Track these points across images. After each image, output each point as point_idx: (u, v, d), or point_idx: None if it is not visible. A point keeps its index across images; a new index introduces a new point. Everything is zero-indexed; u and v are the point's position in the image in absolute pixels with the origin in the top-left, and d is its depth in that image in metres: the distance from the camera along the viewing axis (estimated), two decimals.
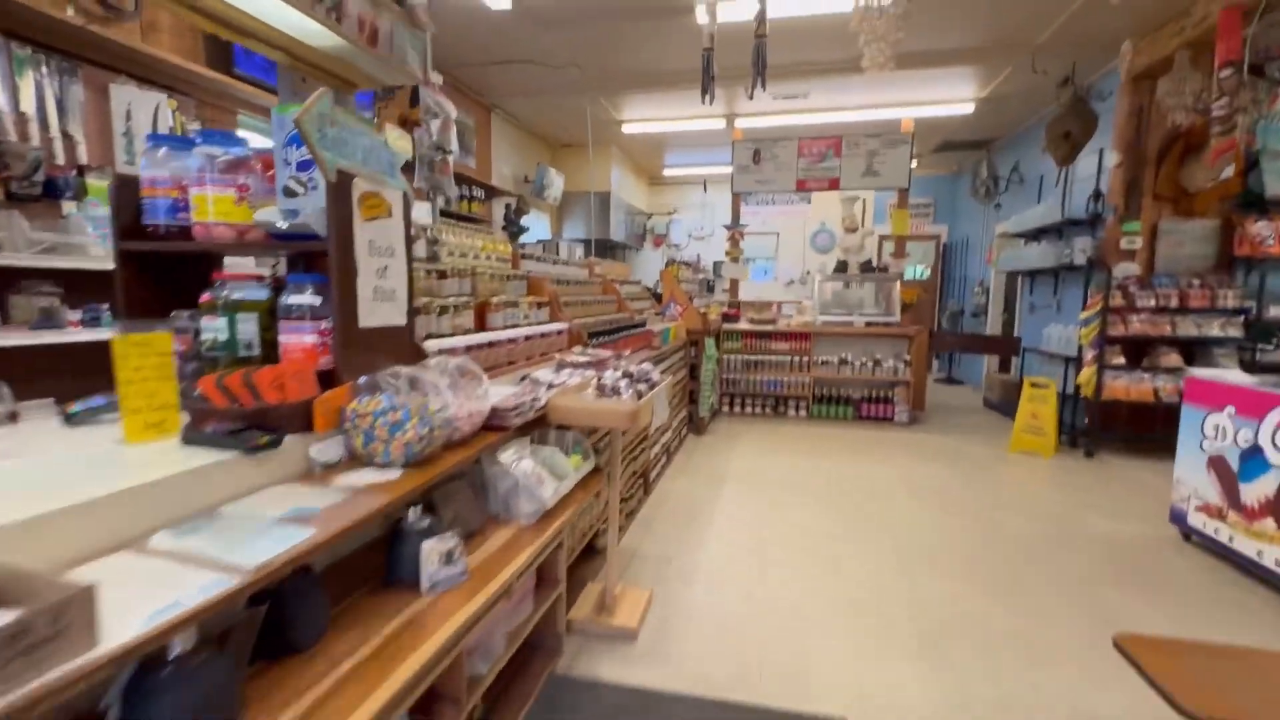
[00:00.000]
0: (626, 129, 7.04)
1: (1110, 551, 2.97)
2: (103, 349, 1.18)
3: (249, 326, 1.40)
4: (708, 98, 3.96)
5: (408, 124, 4.25)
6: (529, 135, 7.39)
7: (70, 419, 1.32)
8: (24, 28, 2.46)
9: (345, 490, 1.17)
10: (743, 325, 6.10)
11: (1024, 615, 2.37)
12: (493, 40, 4.80)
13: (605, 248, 8.26)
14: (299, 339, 1.38)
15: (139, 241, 1.47)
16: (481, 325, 2.38)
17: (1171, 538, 3.13)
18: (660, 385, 2.28)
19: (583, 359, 2.55)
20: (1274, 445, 2.53)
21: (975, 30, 4.58)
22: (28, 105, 2.50)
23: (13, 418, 1.39)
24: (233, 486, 1.11)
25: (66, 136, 2.66)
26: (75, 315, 2.41)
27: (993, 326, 7.96)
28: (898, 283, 5.96)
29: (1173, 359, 4.56)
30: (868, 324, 5.83)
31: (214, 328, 1.40)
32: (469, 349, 2.07)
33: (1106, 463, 4.55)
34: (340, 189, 1.37)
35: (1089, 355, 4.64)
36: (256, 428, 1.21)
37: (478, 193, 5.91)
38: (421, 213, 3.15)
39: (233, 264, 1.95)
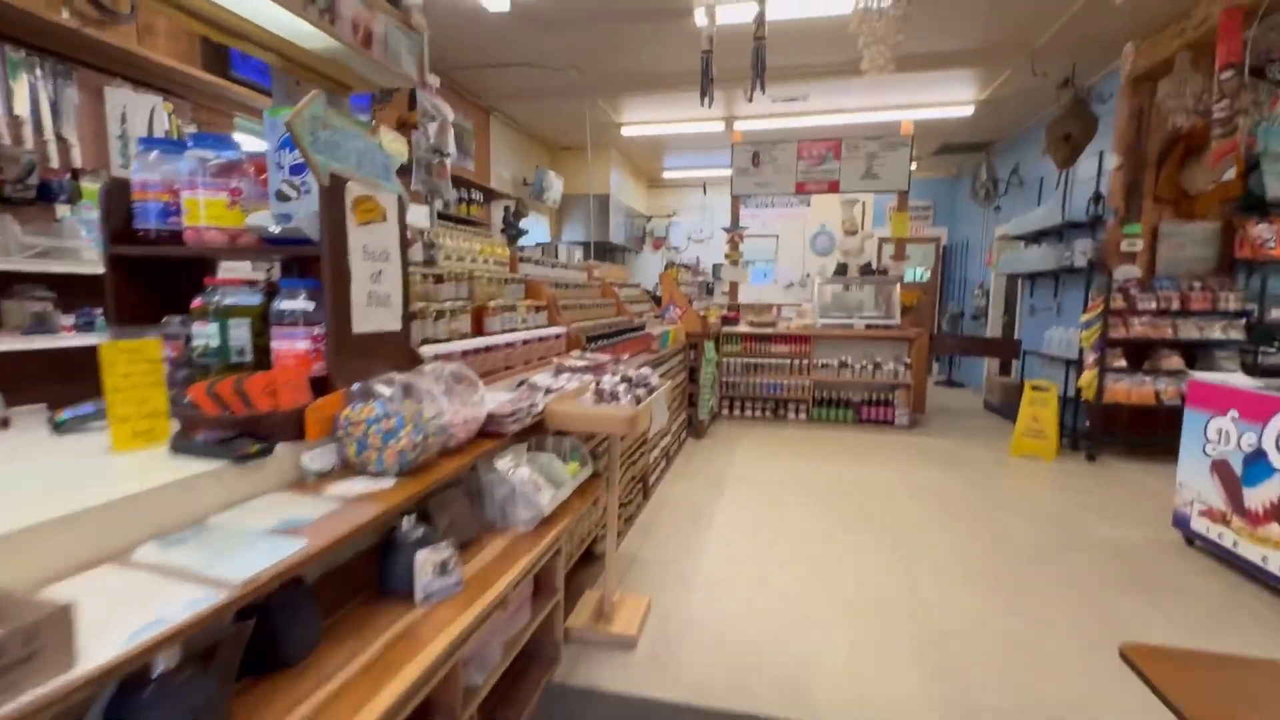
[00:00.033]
0: (625, 131, 7.03)
1: (1113, 556, 2.95)
2: (96, 354, 1.16)
3: (241, 332, 1.38)
4: (707, 100, 3.95)
5: (406, 126, 4.24)
6: (528, 138, 7.38)
7: (59, 427, 1.30)
8: (18, 30, 2.44)
9: (337, 500, 1.15)
10: (742, 328, 6.08)
11: (1028, 622, 2.35)
12: (491, 43, 4.79)
13: (604, 250, 8.25)
14: (292, 345, 1.36)
15: (130, 246, 1.45)
16: (479, 329, 2.36)
17: (1174, 542, 3.10)
18: (659, 390, 2.26)
19: (581, 363, 2.53)
20: (1278, 449, 2.51)
21: (975, 32, 4.57)
22: (22, 108, 2.49)
23: (3, 424, 1.37)
24: (222, 496, 1.09)
25: (61, 140, 2.65)
26: (69, 320, 2.39)
27: (993, 329, 7.95)
28: (897, 285, 5.95)
29: (1174, 362, 4.54)
30: (868, 327, 5.81)
31: (205, 334, 1.37)
32: (466, 354, 2.04)
33: (1108, 466, 4.53)
34: (333, 193, 1.35)
35: (1090, 358, 4.62)
36: (248, 436, 1.19)
37: (476, 196, 5.90)
38: (419, 216, 3.14)
39: (230, 267, 1.94)
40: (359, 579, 1.31)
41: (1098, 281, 4.67)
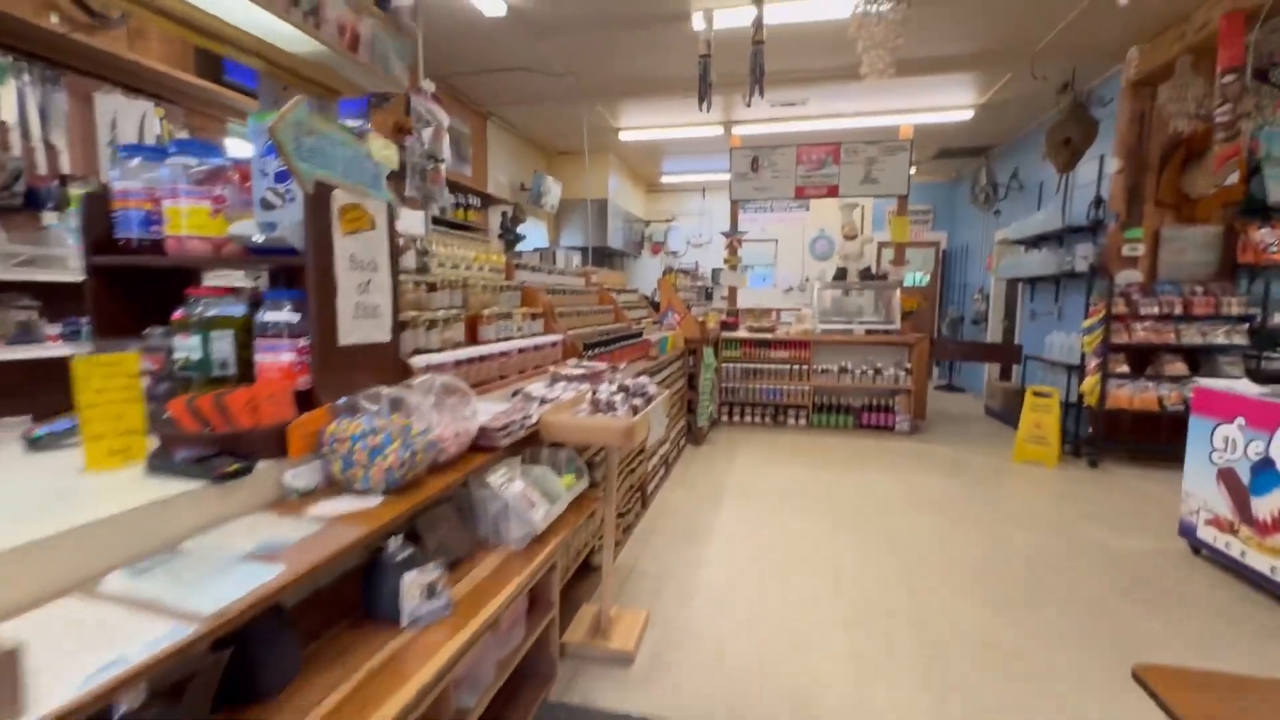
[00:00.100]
0: (624, 136, 7.00)
1: (1119, 565, 2.90)
2: None
3: (224, 345, 1.33)
4: (705, 105, 3.92)
5: (403, 131, 4.20)
6: (525, 143, 7.35)
7: (34, 443, 1.25)
8: (4, 35, 2.40)
9: (320, 520, 1.11)
10: (741, 333, 6.04)
11: (1033, 635, 2.30)
12: (488, 48, 4.76)
13: (603, 255, 8.21)
14: (275, 358, 1.31)
15: (110, 255, 1.41)
16: (473, 338, 2.31)
17: (1180, 551, 3.06)
18: (657, 399, 2.22)
19: (577, 372, 2.48)
20: None
21: (974, 36, 4.55)
22: (8, 114, 2.44)
23: None
24: (198, 519, 1.04)
25: (49, 146, 2.60)
26: (54, 329, 2.34)
27: (993, 334, 7.91)
28: (897, 290, 5.91)
29: (1178, 367, 4.50)
30: (867, 331, 5.77)
31: (187, 346, 1.33)
32: (459, 364, 2.00)
33: (1111, 473, 4.48)
34: (318, 201, 1.31)
35: (1092, 363, 4.58)
36: (228, 453, 1.15)
37: (474, 201, 5.86)
38: (413, 222, 3.09)
39: (216, 275, 1.89)
40: (343, 602, 1.26)
41: (1099, 286, 4.64)
